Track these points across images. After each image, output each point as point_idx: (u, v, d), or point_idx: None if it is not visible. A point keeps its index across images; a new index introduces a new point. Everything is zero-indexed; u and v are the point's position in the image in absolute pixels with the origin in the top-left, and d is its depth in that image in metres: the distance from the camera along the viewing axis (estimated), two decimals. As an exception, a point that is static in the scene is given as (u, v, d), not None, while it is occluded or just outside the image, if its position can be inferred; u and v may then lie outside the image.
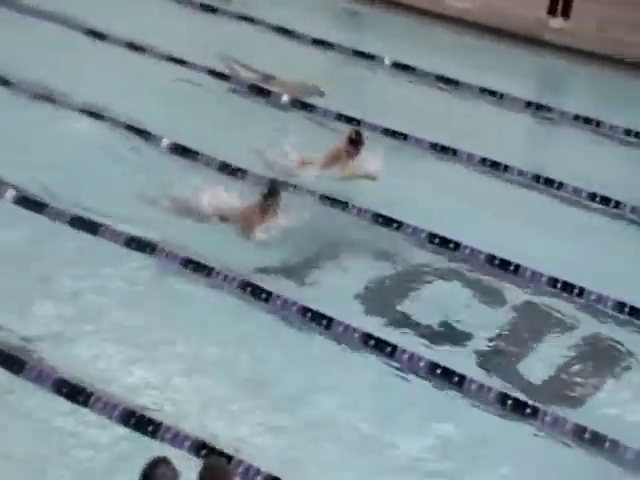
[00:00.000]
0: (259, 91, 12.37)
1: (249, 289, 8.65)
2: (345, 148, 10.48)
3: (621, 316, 8.79)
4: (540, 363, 8.22)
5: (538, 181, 10.85)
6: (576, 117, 12.30)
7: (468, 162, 11.13)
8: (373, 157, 10.35)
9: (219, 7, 14.77)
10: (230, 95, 12.35)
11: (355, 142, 10.42)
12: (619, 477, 7.20)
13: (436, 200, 10.18)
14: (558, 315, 8.81)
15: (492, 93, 12.80)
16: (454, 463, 7.23)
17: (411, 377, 7.95)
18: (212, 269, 8.83)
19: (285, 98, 12.22)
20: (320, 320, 8.35)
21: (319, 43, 13.85)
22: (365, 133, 10.64)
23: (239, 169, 10.43)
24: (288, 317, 8.44)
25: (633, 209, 10.38)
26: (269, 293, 8.60)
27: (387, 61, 13.47)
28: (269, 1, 15.10)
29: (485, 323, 8.63)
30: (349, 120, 11.69)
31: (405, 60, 13.31)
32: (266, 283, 8.73)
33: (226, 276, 8.79)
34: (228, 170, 10.44)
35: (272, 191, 9.46)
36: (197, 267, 8.88)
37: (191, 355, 7.98)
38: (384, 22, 14.83)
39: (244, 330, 8.30)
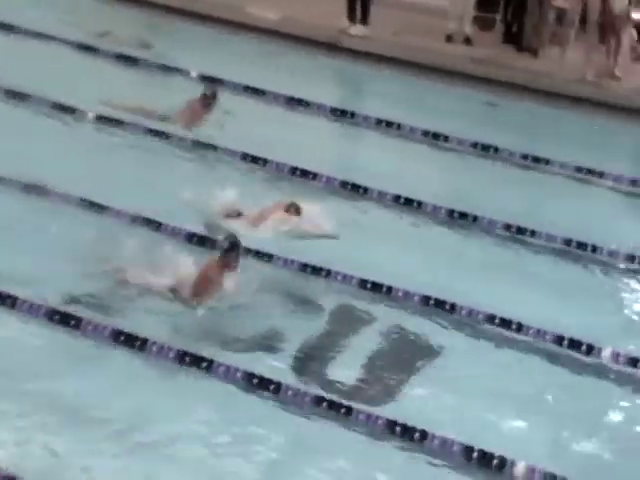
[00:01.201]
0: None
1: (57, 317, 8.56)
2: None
3: (426, 309, 9.18)
4: (350, 364, 8.51)
5: (345, 187, 11.21)
6: (379, 121, 12.75)
7: (277, 172, 11.39)
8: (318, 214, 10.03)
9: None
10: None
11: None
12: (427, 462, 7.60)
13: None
14: (367, 314, 9.14)
15: (298, 101, 13.10)
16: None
17: (230, 388, 8.12)
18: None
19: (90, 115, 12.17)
20: (133, 342, 8.38)
21: (123, 59, 13.87)
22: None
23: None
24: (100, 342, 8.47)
25: (434, 208, 10.86)
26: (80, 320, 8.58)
27: (193, 73, 13.59)
28: (57, 17, 14.83)
29: (300, 329, 8.87)
30: (155, 133, 11.81)
31: (210, 71, 13.46)
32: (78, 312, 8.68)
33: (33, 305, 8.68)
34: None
35: (233, 246, 8.96)
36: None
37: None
38: (187, 34, 14.93)
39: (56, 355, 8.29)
